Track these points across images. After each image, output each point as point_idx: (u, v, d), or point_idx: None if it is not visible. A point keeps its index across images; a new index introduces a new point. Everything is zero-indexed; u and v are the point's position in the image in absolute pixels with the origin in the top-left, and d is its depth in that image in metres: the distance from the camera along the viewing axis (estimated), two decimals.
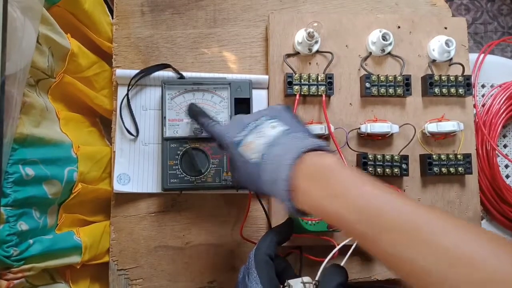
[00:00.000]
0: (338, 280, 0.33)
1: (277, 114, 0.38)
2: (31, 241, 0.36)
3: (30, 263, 0.35)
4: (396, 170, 0.51)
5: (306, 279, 0.34)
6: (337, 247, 0.46)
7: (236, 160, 0.37)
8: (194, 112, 0.44)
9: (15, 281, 0.34)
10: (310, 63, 0.53)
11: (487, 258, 0.24)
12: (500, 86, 0.66)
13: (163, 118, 0.49)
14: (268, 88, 0.53)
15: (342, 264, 0.35)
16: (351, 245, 0.48)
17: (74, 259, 0.41)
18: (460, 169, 0.52)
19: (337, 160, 0.32)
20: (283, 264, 0.37)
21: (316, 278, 0.34)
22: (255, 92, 0.52)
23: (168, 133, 0.49)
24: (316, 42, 0.52)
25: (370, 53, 0.53)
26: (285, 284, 0.34)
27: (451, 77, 0.53)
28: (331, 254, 0.44)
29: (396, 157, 0.51)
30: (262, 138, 0.36)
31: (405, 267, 0.26)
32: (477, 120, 0.62)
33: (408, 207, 0.28)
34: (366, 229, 0.28)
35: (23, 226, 0.35)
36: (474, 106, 0.61)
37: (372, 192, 0.29)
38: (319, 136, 0.50)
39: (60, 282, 0.41)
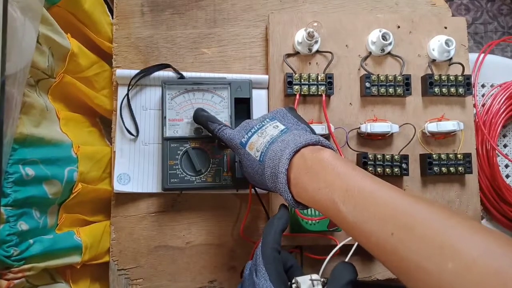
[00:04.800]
0: (347, 278, 0.33)
1: (280, 115, 0.41)
2: (31, 241, 0.36)
3: (30, 263, 0.35)
4: (396, 169, 0.51)
5: (315, 276, 0.34)
6: (339, 245, 0.47)
7: (244, 160, 0.40)
8: (202, 118, 0.45)
9: (15, 281, 0.34)
10: (310, 63, 0.53)
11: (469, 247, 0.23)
12: (500, 86, 0.66)
13: (163, 118, 0.49)
14: (268, 88, 0.53)
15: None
16: (352, 245, 0.48)
17: (74, 259, 0.41)
18: (460, 168, 0.52)
19: (333, 154, 0.33)
20: (291, 261, 0.37)
21: (319, 274, 0.34)
22: (255, 92, 0.52)
23: (168, 133, 0.49)
24: (316, 42, 0.52)
25: (370, 53, 0.53)
26: (293, 281, 0.34)
27: (451, 77, 0.53)
28: (333, 252, 0.44)
29: (396, 156, 0.51)
30: (265, 137, 0.38)
31: (391, 256, 0.26)
32: (477, 119, 0.62)
33: (397, 197, 0.28)
34: (352, 218, 0.29)
35: (23, 226, 0.35)
36: (474, 105, 0.61)
37: (363, 180, 0.30)
38: None
39: (60, 282, 0.41)
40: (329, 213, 0.31)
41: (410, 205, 0.27)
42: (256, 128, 0.40)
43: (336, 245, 0.47)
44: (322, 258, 0.49)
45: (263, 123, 0.40)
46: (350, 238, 0.49)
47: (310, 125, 0.50)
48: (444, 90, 0.53)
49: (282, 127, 0.39)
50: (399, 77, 0.52)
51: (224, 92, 0.50)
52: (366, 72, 0.52)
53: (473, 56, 0.67)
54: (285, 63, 0.52)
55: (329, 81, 0.51)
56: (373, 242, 0.28)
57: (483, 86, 0.68)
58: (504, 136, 0.68)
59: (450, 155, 0.52)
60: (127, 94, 0.51)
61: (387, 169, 0.50)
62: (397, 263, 0.26)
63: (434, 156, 0.51)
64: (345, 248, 0.47)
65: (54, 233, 0.41)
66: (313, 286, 0.33)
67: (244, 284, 0.35)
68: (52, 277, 0.40)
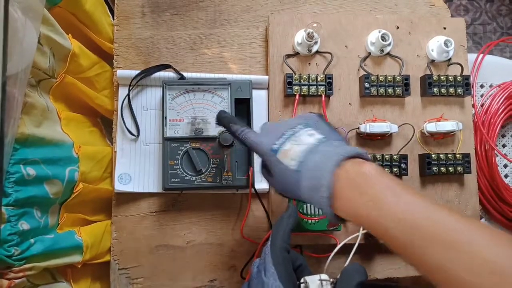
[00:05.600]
0: (357, 280, 0.33)
1: (312, 123, 0.39)
2: (32, 240, 0.36)
3: (31, 263, 0.35)
4: (395, 169, 0.51)
5: (324, 276, 0.34)
6: (340, 244, 0.47)
7: (274, 167, 0.37)
8: (224, 119, 0.44)
9: (16, 281, 0.34)
10: (309, 63, 0.53)
11: None
12: (499, 86, 0.67)
13: (164, 118, 0.49)
14: (268, 88, 0.53)
15: (346, 263, 0.35)
16: (352, 244, 0.48)
17: (75, 258, 0.41)
18: (459, 168, 0.52)
19: (376, 168, 0.32)
20: (299, 260, 0.37)
21: (324, 273, 0.34)
22: (255, 92, 0.52)
23: (169, 133, 0.49)
24: (316, 42, 0.52)
25: (369, 53, 0.54)
26: (302, 280, 0.34)
27: (450, 77, 0.53)
28: (335, 251, 0.44)
29: (395, 156, 0.51)
30: (300, 145, 0.36)
31: (442, 276, 0.26)
32: (476, 120, 0.62)
33: (445, 217, 0.28)
34: (403, 237, 0.28)
35: (24, 225, 0.35)
36: (473, 106, 0.61)
37: (411, 200, 0.29)
38: None
39: (61, 281, 0.41)
40: (372, 227, 0.31)
41: (456, 224, 0.27)
42: (288, 135, 0.37)
43: (336, 244, 0.48)
44: (322, 256, 0.50)
45: (295, 130, 0.38)
46: (350, 237, 0.49)
47: None
48: (443, 90, 0.53)
49: (318, 135, 0.37)
50: (398, 77, 0.52)
51: (224, 93, 0.50)
52: (365, 73, 0.53)
53: (472, 57, 0.67)
54: (285, 64, 0.52)
55: (328, 82, 0.51)
56: (419, 258, 0.28)
57: (482, 86, 0.68)
58: (503, 136, 0.68)
59: (449, 155, 0.52)
60: (128, 95, 0.51)
61: (387, 169, 0.51)
62: (440, 275, 0.27)
63: (433, 156, 0.52)
64: (344, 247, 0.47)
65: (55, 232, 0.41)
66: (322, 286, 0.33)
67: (252, 282, 0.35)
68: (53, 276, 0.40)
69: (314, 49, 0.52)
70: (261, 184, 0.52)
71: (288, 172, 0.36)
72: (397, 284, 0.53)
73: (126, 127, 0.51)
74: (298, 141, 0.36)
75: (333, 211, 0.33)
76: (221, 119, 0.44)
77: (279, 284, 0.32)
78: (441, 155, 0.52)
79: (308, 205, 0.48)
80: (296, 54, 0.53)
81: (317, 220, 0.47)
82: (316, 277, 0.34)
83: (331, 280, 0.34)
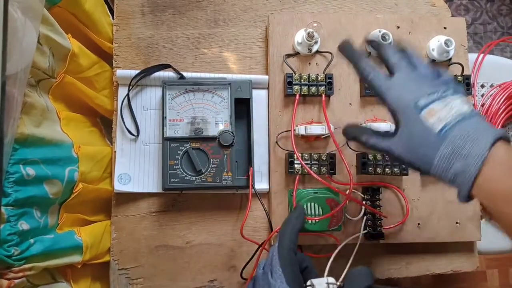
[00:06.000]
0: (365, 284, 0.32)
1: (462, 92, 0.35)
2: (32, 240, 0.36)
3: (31, 263, 0.35)
4: (396, 169, 0.51)
5: (331, 279, 0.33)
6: (341, 245, 0.47)
7: (407, 125, 0.34)
8: (351, 53, 0.39)
9: (16, 281, 0.34)
10: (310, 63, 0.53)
11: None
12: (499, 86, 0.66)
13: (163, 118, 0.49)
14: (268, 88, 0.53)
15: (348, 264, 0.35)
16: (353, 244, 0.48)
17: (75, 258, 0.41)
18: None
19: None
20: (306, 262, 0.36)
21: (325, 275, 0.34)
22: (255, 92, 0.52)
23: (169, 133, 0.49)
24: (316, 42, 0.52)
25: (370, 53, 0.53)
26: (309, 283, 0.33)
27: None
28: (336, 251, 0.44)
29: None
30: (453, 109, 0.33)
31: None
32: None
33: None
34: None
35: (24, 225, 0.35)
36: (474, 105, 0.61)
37: None
38: (319, 136, 0.51)
39: (61, 281, 0.41)
40: None
41: None
42: (438, 95, 0.34)
43: (336, 244, 0.47)
44: (323, 257, 0.50)
45: (445, 93, 0.34)
46: (351, 238, 0.49)
47: (310, 125, 0.50)
48: None
49: (470, 106, 0.34)
50: None
51: (224, 92, 0.50)
52: None
53: (472, 56, 0.67)
54: (285, 63, 0.52)
55: (329, 81, 0.51)
56: None
57: (482, 86, 0.68)
58: None
59: None
60: (128, 94, 0.51)
61: (387, 169, 0.51)
62: None
63: None
64: (344, 247, 0.47)
65: (55, 232, 0.41)
66: None
67: (258, 283, 0.35)
68: (53, 276, 0.40)
69: (314, 48, 0.52)
70: (261, 184, 0.52)
71: (427, 133, 0.33)
72: (402, 286, 0.53)
73: (125, 127, 0.51)
74: (451, 104, 0.33)
75: (469, 188, 0.31)
76: (345, 50, 0.40)
77: (286, 287, 0.31)
78: None
79: (309, 205, 0.47)
80: (296, 53, 0.53)
81: (317, 220, 0.47)
82: (323, 280, 0.33)
83: (338, 283, 0.33)
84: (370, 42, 0.40)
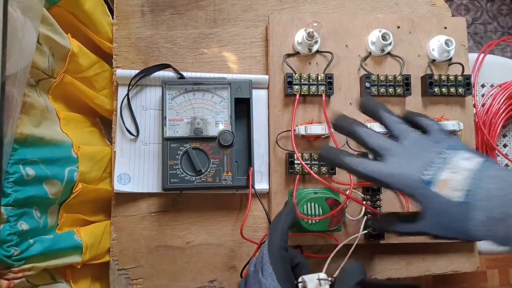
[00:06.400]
0: (356, 280, 0.32)
1: (458, 144, 0.34)
2: (31, 240, 0.36)
3: (30, 263, 0.35)
4: None
5: (322, 275, 0.33)
6: (340, 245, 0.47)
7: (427, 203, 0.32)
8: (329, 155, 0.37)
9: (16, 281, 0.34)
10: (310, 63, 0.53)
11: None
12: (499, 86, 0.66)
13: (163, 118, 0.49)
14: (268, 88, 0.53)
15: (343, 262, 0.35)
16: (351, 244, 0.48)
17: (75, 258, 0.41)
18: None
19: None
20: (297, 258, 0.36)
21: (324, 271, 0.33)
22: (255, 92, 0.52)
23: (169, 133, 0.49)
24: (316, 42, 0.52)
25: (370, 53, 0.53)
26: (300, 280, 0.33)
27: (451, 77, 0.53)
28: (335, 251, 0.44)
29: None
30: (460, 173, 0.31)
31: None
32: (477, 119, 0.62)
33: None
34: None
35: (23, 225, 0.35)
36: (474, 105, 0.61)
37: None
38: (319, 136, 0.51)
39: (61, 281, 0.41)
40: None
41: None
42: (439, 162, 0.32)
43: (336, 244, 0.47)
44: (322, 257, 0.49)
45: (444, 155, 0.33)
46: (351, 238, 0.49)
47: (310, 125, 0.50)
48: (444, 90, 0.53)
49: (478, 158, 0.32)
50: (399, 77, 0.52)
51: (224, 92, 0.50)
52: (366, 72, 0.52)
53: (472, 56, 0.67)
54: (285, 63, 0.52)
55: (329, 81, 0.51)
56: None
57: (482, 86, 0.68)
58: (504, 136, 0.68)
59: None
60: (127, 94, 0.51)
61: None
62: None
63: None
64: (344, 247, 0.47)
65: (55, 233, 0.41)
66: (320, 285, 0.33)
67: (249, 281, 0.34)
68: (53, 277, 0.40)
69: (315, 48, 0.52)
70: (261, 184, 0.51)
71: (450, 206, 0.31)
72: (396, 282, 0.53)
73: (125, 127, 0.51)
74: (455, 168, 0.32)
75: None
76: (323, 155, 0.38)
77: (277, 285, 0.31)
78: None
79: (309, 205, 0.47)
80: (296, 53, 0.53)
81: (317, 221, 0.47)
82: (314, 276, 0.33)
83: (330, 279, 0.33)
84: (336, 128, 0.38)
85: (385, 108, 0.37)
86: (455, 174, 0.31)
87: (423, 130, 0.36)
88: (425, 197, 0.32)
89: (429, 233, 0.34)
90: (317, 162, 0.50)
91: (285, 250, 0.34)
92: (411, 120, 0.37)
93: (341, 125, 0.37)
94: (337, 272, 0.35)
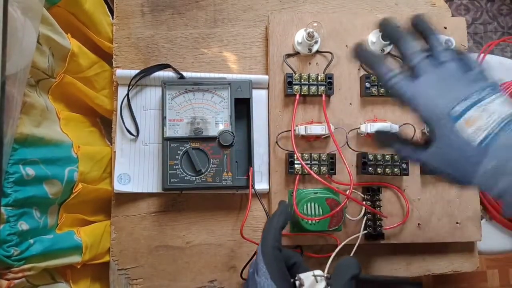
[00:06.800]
0: (351, 273, 0.32)
1: (498, 88, 0.32)
2: (31, 240, 0.36)
3: (30, 263, 0.35)
4: (396, 169, 0.51)
5: (318, 272, 0.34)
6: (341, 245, 0.47)
7: (442, 136, 0.31)
8: (365, 54, 0.35)
9: (16, 281, 0.34)
10: (310, 63, 0.53)
11: None
12: (499, 86, 0.66)
13: (163, 118, 0.49)
14: (268, 88, 0.53)
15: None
16: (353, 244, 0.48)
17: (75, 258, 0.41)
18: None
19: None
20: (294, 258, 0.36)
21: (324, 272, 0.34)
22: (255, 92, 0.52)
23: (169, 133, 0.49)
24: (316, 42, 0.52)
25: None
26: (296, 278, 0.34)
27: None
28: (336, 250, 0.44)
29: (396, 156, 0.51)
30: (493, 115, 0.29)
31: None
32: None
33: None
34: None
35: (23, 226, 0.35)
36: None
37: None
38: (319, 136, 0.51)
39: (61, 281, 0.41)
40: None
41: None
42: (473, 99, 0.30)
43: (337, 244, 0.47)
44: (323, 257, 0.50)
45: (482, 95, 0.30)
46: (351, 237, 0.49)
47: (311, 125, 0.50)
48: None
49: None
50: None
51: (224, 92, 0.50)
52: (366, 72, 0.52)
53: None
54: (285, 63, 0.52)
55: (329, 81, 0.51)
56: None
57: None
58: None
59: None
60: (127, 94, 0.51)
61: (387, 169, 0.50)
62: None
63: None
64: (345, 247, 0.47)
65: (55, 233, 0.41)
66: (316, 282, 0.33)
67: (248, 283, 0.35)
68: (53, 277, 0.40)
69: (315, 48, 0.52)
70: (261, 184, 0.51)
71: (466, 146, 0.30)
72: (387, 277, 0.53)
73: (125, 127, 0.51)
74: (489, 109, 0.30)
75: None
76: (360, 55, 0.35)
77: (271, 283, 0.31)
78: None
79: (309, 205, 0.47)
80: (296, 53, 0.53)
81: (317, 221, 0.47)
82: (310, 273, 0.34)
83: (326, 275, 0.34)
84: (384, 31, 0.35)
85: (438, 32, 0.35)
86: (485, 114, 0.30)
87: (466, 67, 0.33)
88: (444, 129, 0.31)
89: (429, 164, 0.32)
90: (317, 162, 0.50)
91: (279, 249, 0.34)
92: (458, 53, 0.34)
93: (388, 31, 0.35)
94: (326, 268, 0.35)
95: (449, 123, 0.30)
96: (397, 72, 0.33)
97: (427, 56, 0.33)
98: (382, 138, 0.38)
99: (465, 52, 0.34)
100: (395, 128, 0.51)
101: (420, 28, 0.35)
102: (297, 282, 0.33)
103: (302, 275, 0.33)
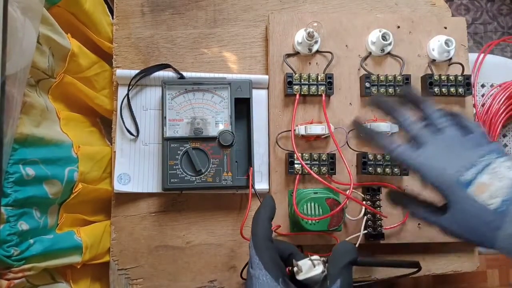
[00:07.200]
0: (349, 258, 0.32)
1: (502, 151, 0.33)
2: (31, 240, 0.36)
3: (30, 263, 0.35)
4: (396, 169, 0.51)
5: (314, 257, 0.34)
6: None
7: (456, 203, 0.31)
8: (367, 130, 0.38)
9: (16, 281, 0.34)
10: (310, 63, 0.53)
11: None
12: (499, 85, 0.66)
13: (163, 118, 0.49)
14: (268, 88, 0.53)
15: None
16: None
17: (75, 258, 0.41)
18: None
19: None
20: (289, 249, 0.37)
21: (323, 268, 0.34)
22: (255, 92, 0.52)
23: (169, 133, 0.49)
24: (316, 42, 0.52)
25: (370, 53, 0.53)
26: (294, 265, 0.34)
27: (451, 77, 0.53)
28: None
29: None
30: (502, 180, 0.30)
31: None
32: (477, 119, 0.62)
33: None
34: None
35: (23, 226, 0.35)
36: (474, 105, 0.61)
37: None
38: (319, 136, 0.51)
39: (61, 282, 0.41)
40: None
41: None
42: (482, 164, 0.31)
43: (337, 244, 0.47)
44: (323, 256, 0.49)
45: (488, 160, 0.31)
46: (351, 237, 0.49)
47: (310, 125, 0.50)
48: (444, 90, 0.53)
49: None
50: (399, 77, 0.52)
51: (224, 92, 0.50)
52: (366, 72, 0.52)
53: (472, 56, 0.67)
54: (285, 63, 0.52)
55: (329, 81, 0.51)
56: None
57: (482, 86, 0.68)
58: (504, 136, 0.68)
59: None
60: (127, 94, 0.51)
61: (387, 169, 0.50)
62: None
63: None
64: None
65: (55, 233, 0.41)
66: (314, 266, 0.33)
67: (248, 282, 0.35)
68: (53, 277, 0.40)
69: (315, 48, 0.52)
70: (261, 184, 0.51)
71: (483, 211, 0.30)
72: (384, 260, 0.53)
73: (125, 127, 0.51)
74: (498, 174, 0.30)
75: None
76: (363, 131, 0.37)
77: (265, 273, 0.32)
78: None
79: (309, 205, 0.47)
80: (296, 53, 0.53)
81: (317, 221, 0.47)
82: (306, 259, 0.34)
83: (322, 259, 0.34)
84: (377, 108, 0.37)
85: (427, 99, 0.37)
86: (496, 181, 0.30)
87: (465, 130, 0.35)
88: (457, 196, 0.31)
89: (449, 229, 0.33)
90: (317, 162, 0.50)
91: (270, 240, 0.34)
92: (453, 117, 0.36)
93: (380, 106, 0.37)
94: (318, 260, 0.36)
95: (461, 190, 0.31)
96: (399, 143, 0.34)
97: (425, 125, 0.35)
98: (395, 198, 0.39)
99: (460, 114, 0.36)
100: (395, 128, 0.51)
101: (409, 99, 0.37)
102: (294, 269, 0.34)
103: (300, 262, 0.34)
